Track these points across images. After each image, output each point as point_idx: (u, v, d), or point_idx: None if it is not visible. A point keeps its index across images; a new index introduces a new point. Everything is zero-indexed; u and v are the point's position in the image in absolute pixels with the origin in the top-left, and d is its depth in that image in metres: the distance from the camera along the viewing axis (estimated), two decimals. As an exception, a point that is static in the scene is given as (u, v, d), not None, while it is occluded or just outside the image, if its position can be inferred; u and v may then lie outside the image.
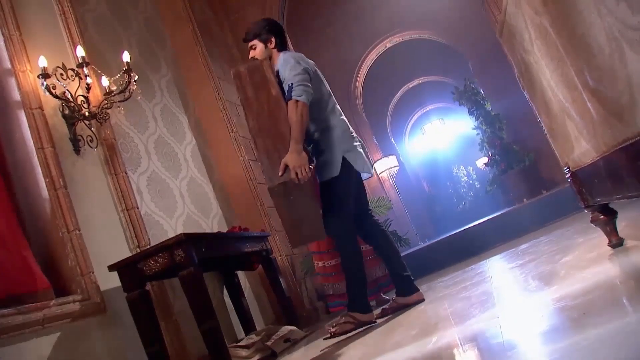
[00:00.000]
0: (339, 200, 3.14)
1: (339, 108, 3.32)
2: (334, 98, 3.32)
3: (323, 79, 3.32)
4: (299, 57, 3.19)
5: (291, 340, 3.58)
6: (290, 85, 3.01)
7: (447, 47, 11.34)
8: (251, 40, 3.31)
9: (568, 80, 1.65)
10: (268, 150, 2.93)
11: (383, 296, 4.11)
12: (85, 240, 3.07)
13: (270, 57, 3.28)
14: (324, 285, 4.28)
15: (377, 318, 3.18)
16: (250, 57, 3.33)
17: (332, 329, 3.01)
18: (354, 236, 3.16)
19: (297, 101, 2.96)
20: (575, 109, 1.73)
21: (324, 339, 3.02)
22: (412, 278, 3.33)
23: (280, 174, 2.83)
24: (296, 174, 2.80)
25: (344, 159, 3.13)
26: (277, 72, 3.21)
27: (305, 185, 2.84)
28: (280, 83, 3.16)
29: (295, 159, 2.84)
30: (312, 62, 3.27)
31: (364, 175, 3.30)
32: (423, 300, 3.27)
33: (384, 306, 3.34)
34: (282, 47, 3.33)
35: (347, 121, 3.30)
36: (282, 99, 3.01)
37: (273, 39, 3.29)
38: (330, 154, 3.14)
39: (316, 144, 3.20)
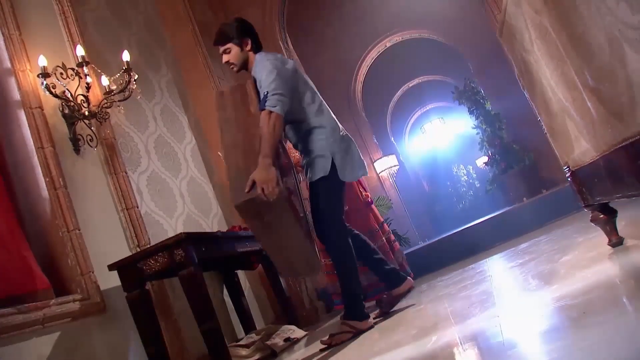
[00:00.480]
0: (328, 202, 3.04)
1: (327, 107, 3.19)
2: (319, 97, 3.18)
3: (307, 78, 3.19)
4: (276, 60, 2.99)
5: (291, 340, 3.58)
6: (265, 94, 2.84)
7: (447, 47, 11.33)
8: (224, 43, 3.10)
9: (568, 79, 1.65)
10: (238, 166, 2.73)
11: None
12: (85, 240, 3.07)
13: (246, 61, 3.11)
14: (328, 283, 4.28)
15: (376, 317, 3.17)
16: (224, 62, 3.14)
17: (329, 340, 2.87)
18: (347, 242, 3.04)
19: (270, 112, 2.78)
20: (575, 109, 1.73)
21: (320, 350, 2.88)
22: (397, 269, 3.34)
23: (247, 190, 2.59)
24: (263, 190, 2.57)
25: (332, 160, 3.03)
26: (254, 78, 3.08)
27: (278, 205, 2.63)
28: (257, 89, 3.03)
29: (262, 174, 2.61)
30: (291, 61, 3.14)
31: (358, 174, 3.19)
32: (413, 286, 3.33)
33: (380, 305, 3.30)
34: (257, 48, 3.14)
35: (336, 120, 3.19)
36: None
37: (249, 41, 3.10)
38: (320, 153, 3.03)
39: (304, 144, 3.09)
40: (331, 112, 3.21)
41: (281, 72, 2.92)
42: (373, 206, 4.61)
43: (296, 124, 3.09)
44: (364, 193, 4.51)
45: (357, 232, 3.37)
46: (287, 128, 3.16)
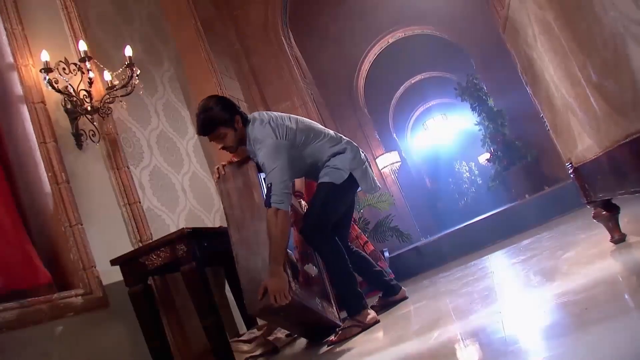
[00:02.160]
0: (324, 206, 3.02)
1: (339, 134, 3.20)
2: (327, 129, 3.17)
3: (304, 119, 3.11)
4: (274, 130, 2.84)
5: (293, 335, 3.59)
6: (269, 186, 2.70)
7: (449, 43, 11.31)
8: (214, 130, 2.88)
9: (572, 75, 1.65)
10: (249, 270, 2.64)
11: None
12: (88, 235, 3.07)
13: (242, 139, 2.93)
14: None
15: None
16: (220, 148, 2.97)
17: (335, 337, 2.81)
18: (333, 241, 3.00)
19: (277, 210, 2.65)
20: (578, 105, 1.73)
21: (328, 346, 2.81)
22: (393, 280, 3.44)
23: (259, 298, 2.54)
24: (275, 298, 2.50)
25: (350, 174, 3.05)
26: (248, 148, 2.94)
27: (294, 307, 2.61)
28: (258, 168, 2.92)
29: (274, 283, 2.51)
30: (285, 115, 3.01)
31: (375, 188, 3.22)
32: (407, 297, 3.42)
33: (372, 304, 3.27)
34: (245, 120, 2.95)
35: (354, 144, 3.18)
36: (267, 208, 2.70)
37: (239, 118, 2.90)
38: (340, 167, 3.04)
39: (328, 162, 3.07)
40: (347, 139, 3.21)
41: (280, 146, 2.79)
42: None
43: (315, 166, 3.08)
44: None
45: (356, 248, 3.41)
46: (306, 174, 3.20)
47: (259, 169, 2.89)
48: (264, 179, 2.89)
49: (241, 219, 2.79)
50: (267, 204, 2.68)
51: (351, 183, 3.09)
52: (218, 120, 2.86)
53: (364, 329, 2.84)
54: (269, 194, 2.69)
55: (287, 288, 2.55)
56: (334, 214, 3.11)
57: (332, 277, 3.07)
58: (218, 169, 2.99)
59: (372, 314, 2.94)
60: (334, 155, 3.07)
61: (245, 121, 2.94)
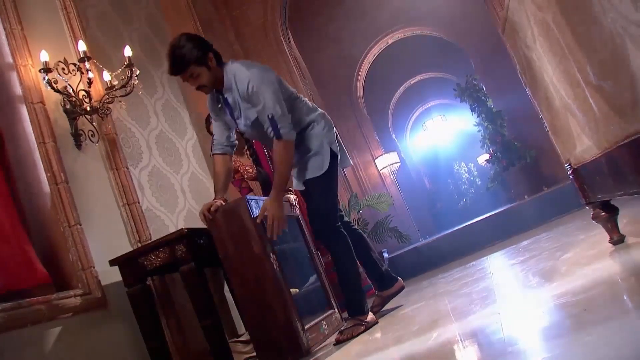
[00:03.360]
0: (325, 200, 2.99)
1: (310, 102, 3.11)
2: (301, 96, 3.08)
3: (282, 80, 3.00)
4: (263, 72, 2.80)
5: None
6: (271, 117, 2.70)
7: (449, 44, 11.33)
8: (185, 69, 2.77)
9: (570, 76, 1.65)
10: (259, 323, 2.71)
11: None
12: (87, 235, 3.07)
13: (217, 78, 2.83)
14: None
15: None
16: (196, 87, 2.86)
17: (341, 335, 2.81)
18: (345, 239, 3.00)
19: (286, 142, 2.74)
20: (577, 106, 1.73)
21: (334, 345, 2.80)
22: (388, 270, 3.32)
23: (259, 220, 2.75)
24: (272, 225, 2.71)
25: (331, 151, 2.97)
26: (224, 94, 2.87)
27: None
28: (225, 102, 2.88)
29: (275, 208, 2.74)
30: (268, 66, 2.94)
31: (349, 160, 3.22)
32: (404, 286, 3.31)
33: (370, 305, 3.20)
34: (219, 58, 2.85)
35: (325, 113, 3.12)
36: (267, 258, 2.70)
37: (211, 55, 2.80)
38: (319, 149, 2.95)
39: (300, 145, 2.95)
40: (317, 107, 3.14)
41: (272, 81, 2.77)
42: None
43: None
44: None
45: (355, 227, 3.36)
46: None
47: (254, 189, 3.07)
48: (258, 112, 2.75)
49: (241, 270, 2.76)
50: (278, 135, 2.72)
51: (332, 160, 2.99)
52: (189, 59, 2.74)
53: (367, 327, 2.85)
54: (275, 125, 2.70)
55: (285, 220, 2.80)
56: (334, 205, 3.06)
57: (340, 276, 3.03)
58: (205, 214, 2.83)
59: (371, 316, 2.94)
60: (310, 124, 2.98)
61: (220, 61, 2.84)
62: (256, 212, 2.80)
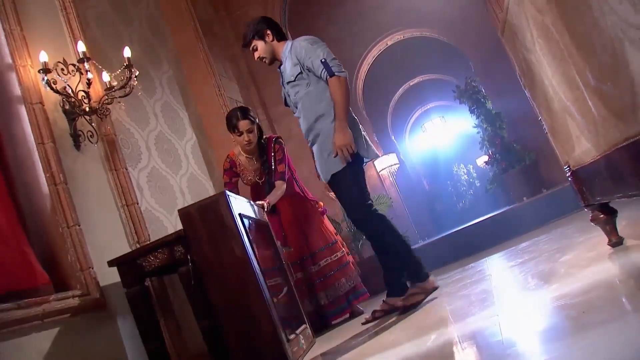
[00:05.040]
0: (359, 189, 3.10)
1: None
2: None
3: None
4: (316, 38, 3.18)
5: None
6: (324, 61, 3.03)
7: (448, 45, 11.33)
8: (249, 43, 3.29)
9: (570, 79, 1.65)
10: (235, 335, 2.48)
11: (358, 307, 3.99)
12: (85, 236, 3.07)
13: (273, 51, 3.26)
14: (317, 295, 3.94)
15: (366, 321, 3.13)
16: (256, 58, 3.31)
17: (402, 302, 2.97)
18: (383, 218, 3.13)
19: (339, 77, 3.03)
20: (576, 108, 1.73)
21: (398, 315, 2.94)
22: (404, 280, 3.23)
23: (333, 155, 2.99)
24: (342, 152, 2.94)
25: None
26: (283, 65, 3.24)
27: None
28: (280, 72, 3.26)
29: (341, 139, 2.96)
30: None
31: (374, 152, 3.29)
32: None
33: (374, 309, 3.18)
34: (280, 36, 3.29)
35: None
36: (250, 261, 2.52)
37: (269, 32, 3.25)
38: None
39: (321, 132, 3.12)
40: None
41: (327, 47, 3.12)
42: (325, 217, 4.27)
43: (314, 107, 3.15)
44: (316, 204, 4.19)
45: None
46: (301, 117, 3.23)
47: None
48: (311, 63, 3.08)
49: (220, 275, 2.55)
50: (331, 73, 3.03)
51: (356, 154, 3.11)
52: (250, 34, 3.27)
53: (427, 295, 2.99)
54: (328, 66, 3.03)
55: (353, 143, 2.98)
56: (366, 193, 3.15)
57: (391, 253, 3.11)
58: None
59: (431, 282, 3.03)
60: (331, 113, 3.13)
61: (280, 37, 3.28)
62: (237, 207, 2.68)
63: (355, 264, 4.26)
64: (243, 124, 3.74)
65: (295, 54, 3.14)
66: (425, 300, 3.00)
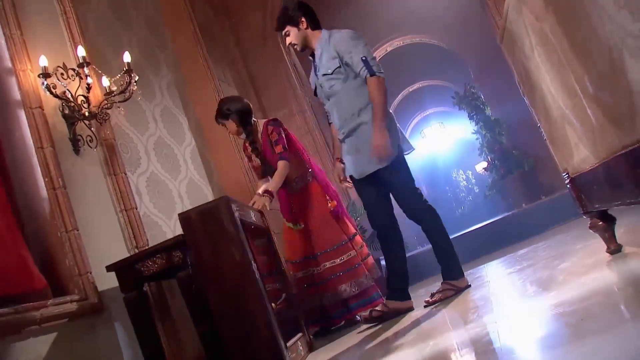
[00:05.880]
0: (410, 179, 3.21)
1: None
2: None
3: None
4: (354, 32, 3.18)
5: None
6: (365, 59, 3.03)
7: (447, 52, 11.35)
8: (282, 27, 3.30)
9: (568, 86, 1.65)
10: (234, 340, 2.46)
11: (357, 317, 3.74)
12: (84, 240, 3.06)
13: (306, 39, 3.28)
14: (316, 296, 3.78)
15: (367, 319, 3.15)
16: (287, 44, 3.36)
17: (431, 298, 3.04)
18: (434, 211, 3.25)
19: (379, 77, 3.02)
20: (575, 115, 1.73)
21: (424, 307, 3.02)
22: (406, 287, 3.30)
23: (371, 156, 3.01)
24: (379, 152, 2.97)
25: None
26: (315, 54, 3.26)
27: None
28: (314, 60, 3.31)
29: (379, 139, 2.97)
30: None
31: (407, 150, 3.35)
32: (412, 307, 3.23)
33: (373, 309, 3.21)
34: (315, 25, 3.30)
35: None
36: (250, 266, 2.50)
37: (303, 20, 3.26)
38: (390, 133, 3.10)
39: (361, 126, 3.14)
40: None
41: (367, 45, 3.13)
42: (344, 217, 4.02)
43: (352, 102, 3.16)
44: (329, 203, 3.91)
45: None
46: (335, 110, 3.25)
47: None
48: (350, 59, 3.09)
49: (219, 279, 2.54)
50: (372, 73, 3.03)
51: (397, 146, 3.18)
52: (284, 19, 3.29)
53: (458, 292, 3.06)
54: (368, 65, 3.03)
55: (389, 143, 2.99)
56: (414, 182, 3.26)
57: (438, 244, 3.23)
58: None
59: (465, 281, 3.16)
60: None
61: (314, 26, 3.29)
62: (237, 213, 2.66)
63: (374, 266, 4.00)
64: (218, 122, 3.92)
65: (335, 46, 3.14)
66: (420, 310, 3.01)
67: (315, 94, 3.43)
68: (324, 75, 3.20)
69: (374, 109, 3.03)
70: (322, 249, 3.82)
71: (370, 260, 3.98)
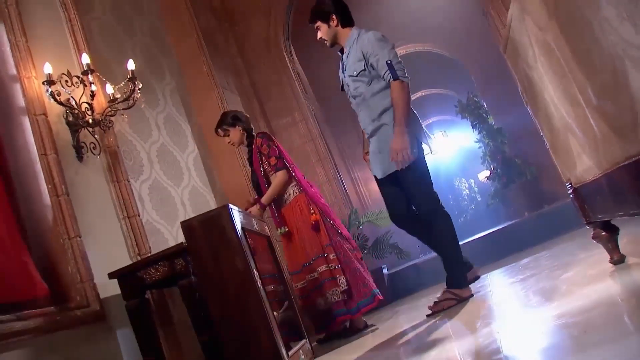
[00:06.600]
0: (428, 180, 3.22)
1: None
2: None
3: None
4: (382, 35, 3.23)
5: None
6: (390, 62, 3.07)
7: (450, 60, 11.37)
8: (313, 22, 3.36)
9: (571, 96, 1.65)
10: (235, 349, 2.45)
11: (333, 333, 3.71)
12: (86, 248, 3.06)
13: (336, 36, 3.33)
14: (320, 300, 3.65)
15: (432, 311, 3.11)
16: (317, 38, 3.41)
17: (434, 306, 3.02)
18: (449, 217, 3.23)
19: (402, 82, 3.07)
20: (577, 125, 1.73)
21: (427, 316, 3.01)
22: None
23: (391, 159, 3.03)
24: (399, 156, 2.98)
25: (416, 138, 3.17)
26: (345, 52, 3.30)
27: None
28: (341, 59, 3.37)
29: (399, 143, 2.98)
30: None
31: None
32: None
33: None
34: (346, 22, 3.34)
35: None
36: (252, 275, 2.51)
37: (334, 17, 3.30)
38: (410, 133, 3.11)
39: (385, 125, 3.18)
40: None
41: (394, 49, 3.20)
42: (321, 226, 3.75)
43: (377, 103, 3.21)
44: (312, 216, 3.76)
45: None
46: (360, 110, 3.34)
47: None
48: (376, 61, 3.15)
49: (221, 287, 2.54)
50: (395, 77, 3.08)
51: (419, 146, 3.21)
52: (316, 15, 3.34)
53: (459, 302, 3.01)
54: (392, 69, 3.08)
55: (409, 147, 2.99)
56: (432, 184, 3.26)
57: (443, 250, 3.23)
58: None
59: (468, 291, 3.11)
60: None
61: (346, 23, 3.33)
62: (239, 221, 2.64)
63: (343, 278, 3.64)
64: (218, 133, 4.03)
65: (362, 48, 3.18)
66: (423, 319, 2.99)
67: (342, 89, 3.51)
68: (350, 76, 3.28)
69: (395, 112, 3.07)
70: (294, 269, 3.78)
71: (338, 271, 3.67)
